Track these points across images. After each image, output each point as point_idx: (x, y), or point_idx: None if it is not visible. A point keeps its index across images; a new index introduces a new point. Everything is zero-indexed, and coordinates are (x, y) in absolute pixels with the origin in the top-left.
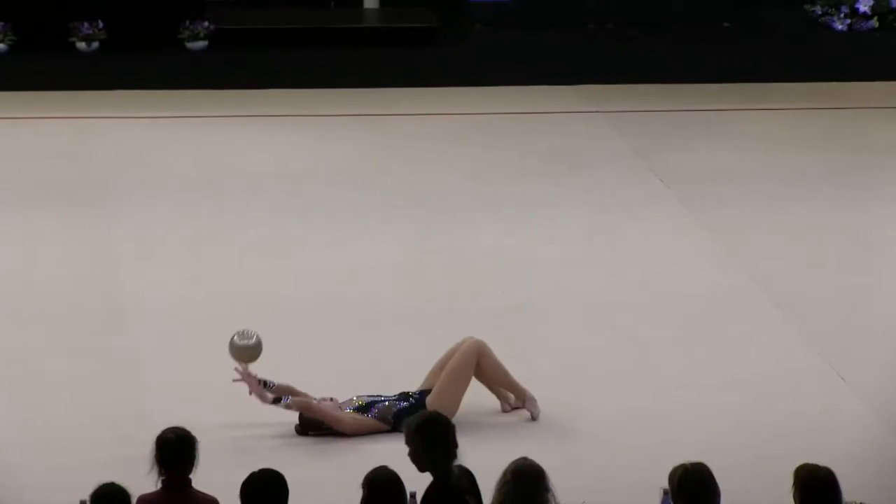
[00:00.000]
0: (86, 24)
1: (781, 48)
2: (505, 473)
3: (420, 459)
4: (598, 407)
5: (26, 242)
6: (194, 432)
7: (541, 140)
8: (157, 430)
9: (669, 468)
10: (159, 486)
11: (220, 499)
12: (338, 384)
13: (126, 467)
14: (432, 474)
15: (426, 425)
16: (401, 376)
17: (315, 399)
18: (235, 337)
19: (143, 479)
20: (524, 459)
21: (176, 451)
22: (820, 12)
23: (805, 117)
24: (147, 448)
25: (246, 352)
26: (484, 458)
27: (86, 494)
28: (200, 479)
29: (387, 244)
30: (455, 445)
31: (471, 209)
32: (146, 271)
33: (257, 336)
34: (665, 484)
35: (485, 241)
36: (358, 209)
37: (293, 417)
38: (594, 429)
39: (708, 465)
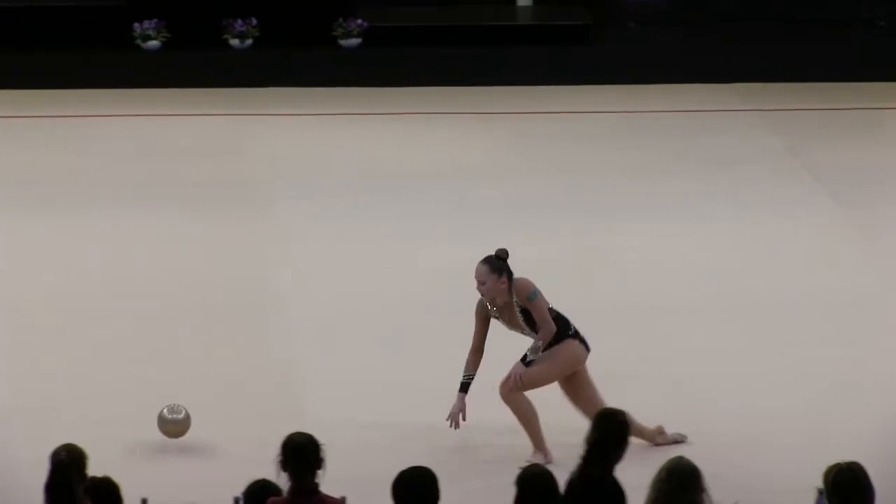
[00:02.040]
0: (239, 21)
1: None
2: (660, 471)
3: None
4: (748, 406)
5: (178, 240)
6: (344, 428)
7: (693, 138)
8: (310, 427)
9: (824, 468)
10: (287, 490)
11: (350, 499)
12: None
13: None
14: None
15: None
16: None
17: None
18: (165, 410)
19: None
20: (679, 458)
21: (303, 455)
22: None
23: None
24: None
25: (174, 426)
26: (633, 461)
27: (238, 492)
28: (346, 476)
29: (534, 243)
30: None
31: (620, 208)
32: (296, 268)
33: (185, 411)
34: (820, 483)
35: (634, 239)
36: (506, 208)
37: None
38: (746, 429)
39: (862, 464)
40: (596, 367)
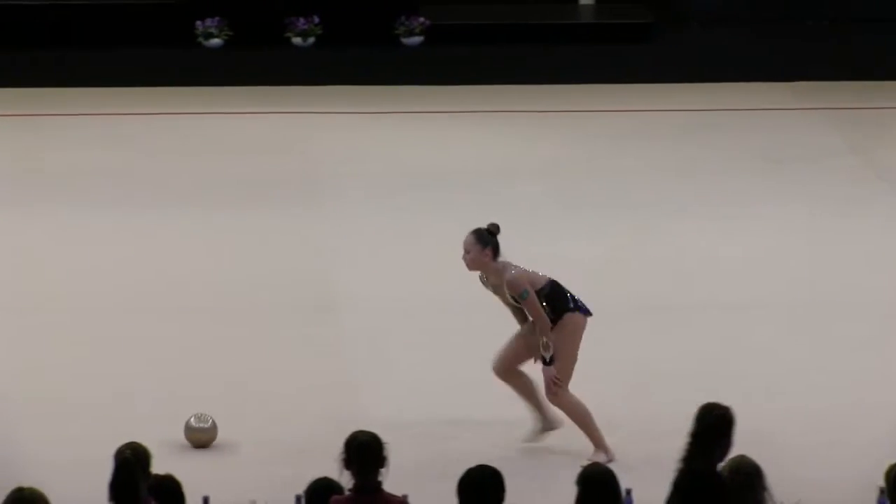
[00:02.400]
0: (301, 20)
1: None
2: (723, 470)
3: None
4: (809, 405)
5: (236, 238)
6: (404, 427)
7: (755, 137)
8: (371, 425)
9: (886, 466)
10: (349, 489)
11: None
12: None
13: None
14: None
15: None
16: (606, 377)
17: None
18: (192, 419)
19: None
20: (742, 457)
21: (367, 453)
22: None
23: None
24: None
25: (201, 434)
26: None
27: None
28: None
29: (594, 241)
30: None
31: (680, 207)
32: (354, 266)
33: (212, 420)
34: (881, 482)
35: (695, 238)
36: (565, 207)
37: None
38: (808, 427)
39: None
40: (652, 367)
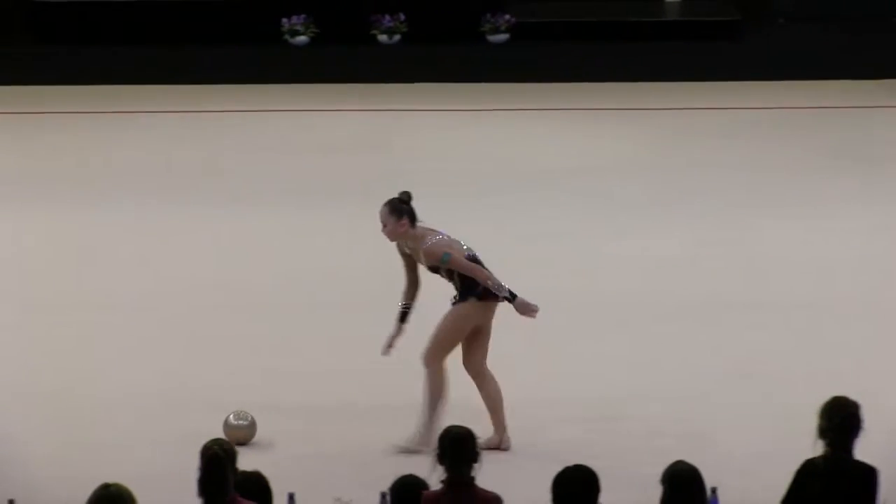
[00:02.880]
0: (387, 17)
1: None
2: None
3: None
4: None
5: (323, 234)
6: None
7: (841, 135)
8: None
9: None
10: (440, 484)
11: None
12: (621, 379)
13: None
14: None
15: None
16: (676, 373)
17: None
18: (231, 417)
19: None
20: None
21: (461, 447)
22: None
23: None
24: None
25: (239, 431)
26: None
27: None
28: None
29: (681, 238)
30: None
31: (760, 204)
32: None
33: (251, 417)
34: None
35: (772, 236)
36: (650, 203)
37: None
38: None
39: None
40: (740, 364)
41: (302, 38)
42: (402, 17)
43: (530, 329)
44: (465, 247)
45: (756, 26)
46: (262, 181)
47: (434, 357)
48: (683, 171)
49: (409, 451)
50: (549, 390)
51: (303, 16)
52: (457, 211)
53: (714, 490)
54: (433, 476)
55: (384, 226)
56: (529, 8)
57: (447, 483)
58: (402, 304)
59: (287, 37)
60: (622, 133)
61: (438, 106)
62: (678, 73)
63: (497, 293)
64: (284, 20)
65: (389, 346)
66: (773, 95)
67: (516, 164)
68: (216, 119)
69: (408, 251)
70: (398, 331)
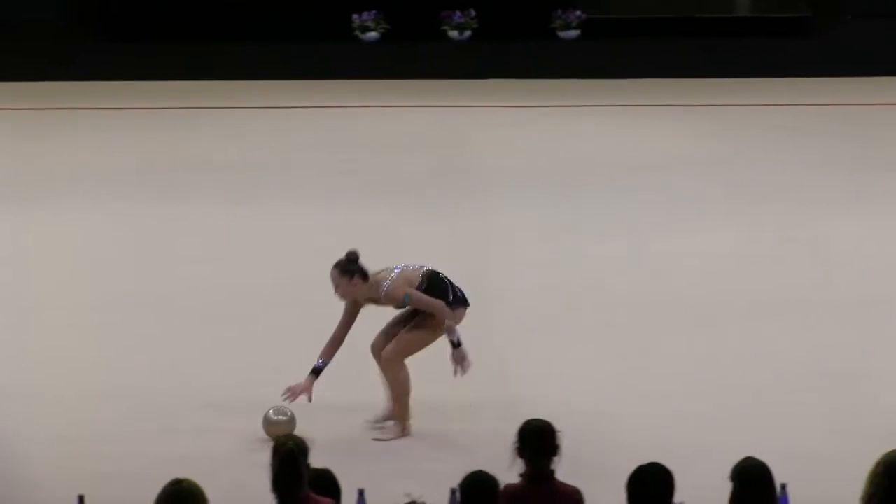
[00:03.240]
0: (458, 13)
1: None
2: (877, 465)
3: None
4: None
5: (392, 231)
6: (567, 420)
7: None
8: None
9: None
10: (520, 474)
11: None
12: (692, 379)
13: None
14: None
15: None
16: (747, 375)
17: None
18: (271, 412)
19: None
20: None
21: (541, 439)
22: None
23: None
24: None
25: (278, 427)
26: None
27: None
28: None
29: (751, 234)
30: None
31: (834, 201)
32: (513, 260)
33: (291, 412)
34: None
35: (848, 233)
36: (717, 200)
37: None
38: None
39: None
40: (816, 364)
41: (372, 35)
42: (473, 13)
43: (616, 329)
44: (424, 268)
45: (826, 22)
46: (328, 178)
47: (397, 357)
48: (755, 167)
49: (386, 440)
50: (633, 389)
51: (373, 12)
52: (528, 206)
53: (784, 486)
54: (511, 469)
55: (336, 287)
56: (600, 4)
57: (527, 477)
58: (321, 361)
59: (357, 33)
60: (694, 129)
61: (509, 102)
62: (748, 70)
63: (447, 334)
64: (355, 16)
65: (309, 399)
66: (844, 92)
67: (589, 160)
68: (286, 116)
69: (364, 303)
70: (308, 385)
